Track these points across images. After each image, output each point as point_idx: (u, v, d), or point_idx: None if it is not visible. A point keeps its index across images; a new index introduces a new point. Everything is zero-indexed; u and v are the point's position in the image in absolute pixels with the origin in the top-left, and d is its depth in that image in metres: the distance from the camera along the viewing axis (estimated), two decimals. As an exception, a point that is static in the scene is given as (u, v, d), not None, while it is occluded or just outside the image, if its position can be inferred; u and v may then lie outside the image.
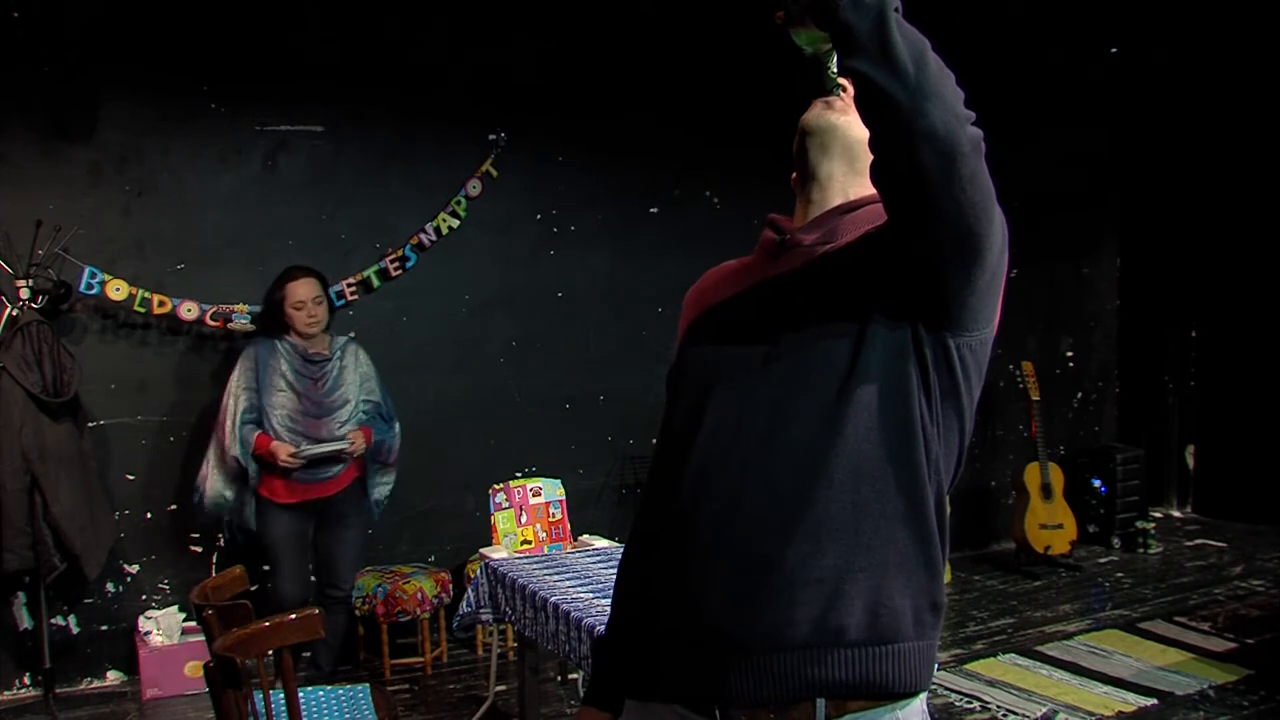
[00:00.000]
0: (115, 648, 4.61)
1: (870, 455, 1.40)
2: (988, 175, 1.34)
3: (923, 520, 1.42)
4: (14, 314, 4.16)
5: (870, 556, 1.39)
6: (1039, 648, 4.88)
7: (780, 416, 1.43)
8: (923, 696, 1.48)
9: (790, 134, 1.61)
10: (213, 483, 4.25)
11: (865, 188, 1.53)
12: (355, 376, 4.32)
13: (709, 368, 1.54)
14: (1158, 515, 7.27)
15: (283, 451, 4.07)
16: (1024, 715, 4.12)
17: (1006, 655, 4.79)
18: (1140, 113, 7.25)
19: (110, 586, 4.59)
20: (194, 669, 4.37)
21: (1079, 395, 7.36)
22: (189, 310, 4.57)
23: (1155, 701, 4.23)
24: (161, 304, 4.52)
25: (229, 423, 4.16)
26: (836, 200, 1.56)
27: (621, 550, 1.67)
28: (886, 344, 1.41)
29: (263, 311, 4.33)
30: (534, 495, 4.48)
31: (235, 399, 4.19)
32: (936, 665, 2.90)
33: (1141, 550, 6.59)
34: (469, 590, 3.45)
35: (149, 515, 4.64)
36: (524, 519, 4.42)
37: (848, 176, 1.56)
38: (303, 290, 4.17)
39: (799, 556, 1.38)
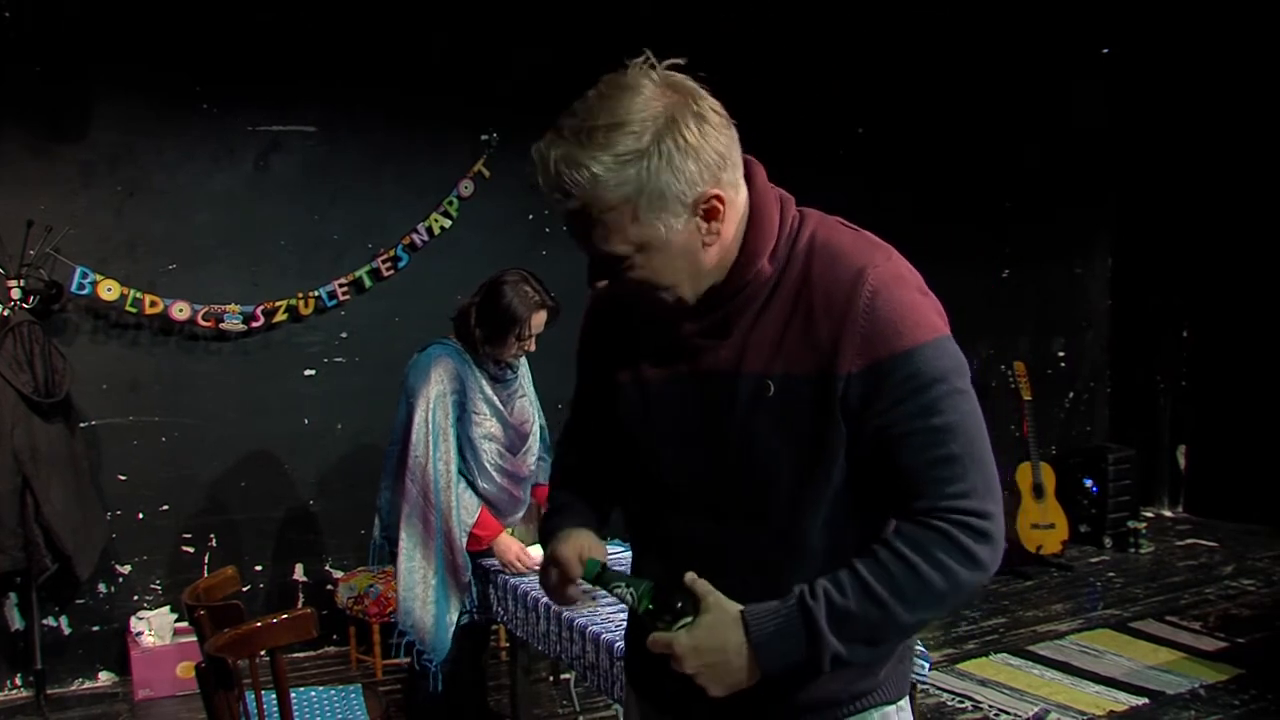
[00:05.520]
0: (107, 648, 4.60)
1: (807, 571, 1.38)
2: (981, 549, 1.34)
3: None
4: (5, 314, 4.15)
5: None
6: (1031, 647, 4.89)
7: (735, 543, 1.43)
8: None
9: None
10: (423, 601, 3.25)
11: (722, 251, 1.38)
12: (532, 390, 3.53)
13: (662, 449, 1.49)
14: (1149, 515, 7.29)
15: (512, 550, 3.24)
16: (1016, 715, 4.13)
17: (998, 655, 4.80)
18: (1134, 112, 7.26)
19: (102, 587, 4.58)
20: (186, 669, 4.37)
21: (1071, 395, 7.37)
22: (181, 310, 4.56)
23: (1147, 701, 4.24)
24: (153, 304, 4.51)
25: (447, 484, 3.22)
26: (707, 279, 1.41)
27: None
28: (843, 467, 1.38)
29: (478, 320, 3.29)
30: (527, 495, 4.48)
31: (439, 434, 3.23)
32: (929, 665, 2.91)
33: (1133, 550, 6.60)
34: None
35: (141, 516, 4.63)
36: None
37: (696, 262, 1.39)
38: (541, 323, 3.29)
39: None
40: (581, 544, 1.55)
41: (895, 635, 1.35)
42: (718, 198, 1.33)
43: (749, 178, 1.41)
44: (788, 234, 1.40)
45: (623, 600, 1.43)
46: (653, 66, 1.34)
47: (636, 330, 1.51)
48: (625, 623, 1.71)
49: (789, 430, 1.35)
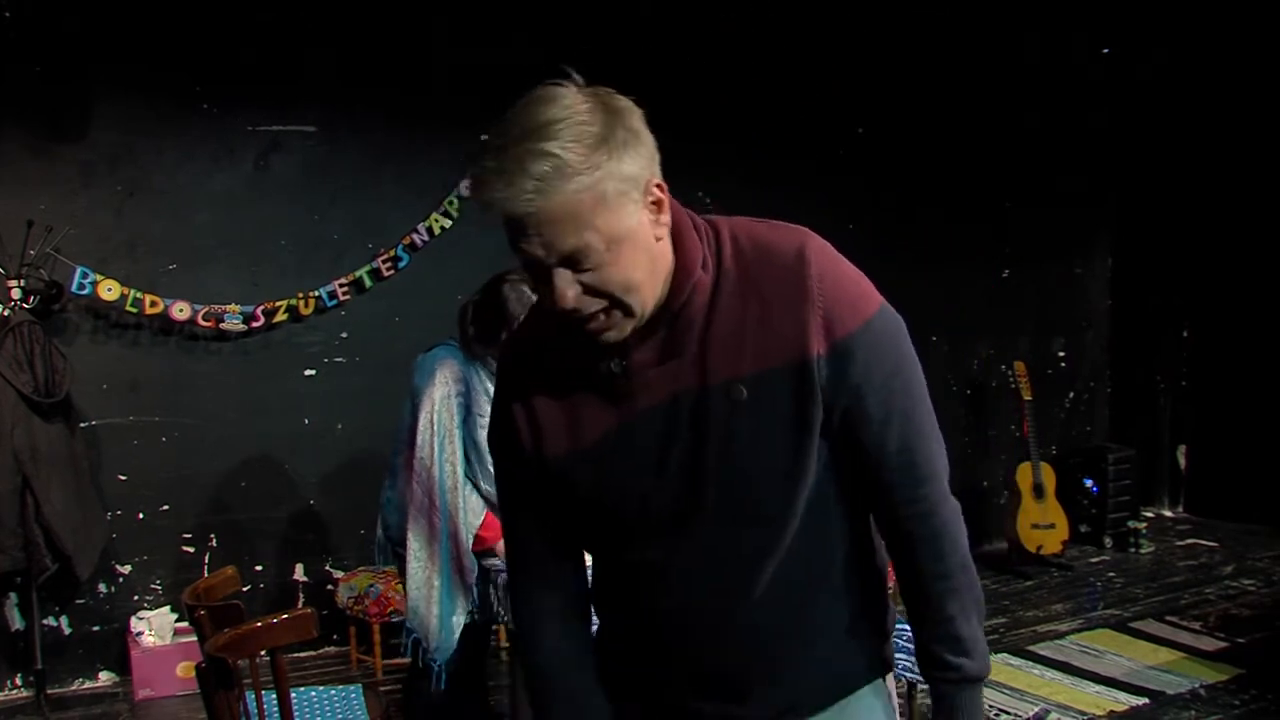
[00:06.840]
0: (107, 648, 4.60)
1: (803, 554, 1.42)
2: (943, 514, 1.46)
3: (864, 584, 1.52)
4: (5, 314, 4.15)
5: (817, 641, 1.47)
6: (1031, 647, 4.89)
7: (711, 560, 1.41)
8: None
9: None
10: (429, 602, 3.20)
11: (666, 260, 1.35)
12: None
13: (626, 515, 1.44)
14: (1149, 515, 7.29)
15: None
16: (1016, 715, 4.13)
17: (999, 655, 4.80)
18: (1134, 112, 7.26)
19: (102, 587, 4.58)
20: (186, 669, 4.37)
21: (1071, 395, 7.37)
22: (181, 310, 4.57)
23: (1147, 701, 4.24)
24: (154, 304, 4.52)
25: (453, 486, 3.18)
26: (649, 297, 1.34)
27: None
28: (822, 450, 1.39)
29: (474, 317, 3.25)
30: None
31: (445, 436, 3.20)
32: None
33: (1133, 550, 6.60)
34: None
35: (141, 516, 4.63)
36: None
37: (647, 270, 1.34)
38: None
39: (750, 671, 1.46)
40: None
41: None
42: (660, 186, 1.31)
43: None
44: (709, 242, 1.38)
45: None
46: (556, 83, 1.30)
47: (567, 391, 1.43)
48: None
49: (769, 425, 1.34)
